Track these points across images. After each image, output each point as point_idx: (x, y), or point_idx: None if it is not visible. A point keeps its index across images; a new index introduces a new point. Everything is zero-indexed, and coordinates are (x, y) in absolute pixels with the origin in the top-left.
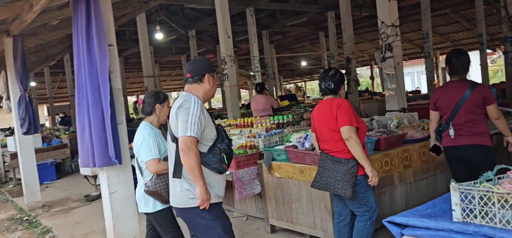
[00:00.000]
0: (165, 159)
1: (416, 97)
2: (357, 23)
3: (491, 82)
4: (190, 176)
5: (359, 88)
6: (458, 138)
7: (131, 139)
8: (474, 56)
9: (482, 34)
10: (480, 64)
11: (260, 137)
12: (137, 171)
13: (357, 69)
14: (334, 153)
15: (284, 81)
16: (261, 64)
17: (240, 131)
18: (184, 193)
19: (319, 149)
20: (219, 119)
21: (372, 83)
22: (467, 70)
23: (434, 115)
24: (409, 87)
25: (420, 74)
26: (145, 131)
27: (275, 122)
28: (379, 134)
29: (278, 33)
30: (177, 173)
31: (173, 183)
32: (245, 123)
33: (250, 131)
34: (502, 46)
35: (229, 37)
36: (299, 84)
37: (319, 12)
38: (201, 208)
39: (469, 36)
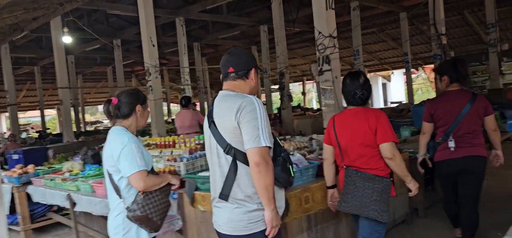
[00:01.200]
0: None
1: None
2: (289, 38)
3: (418, 100)
4: (262, 196)
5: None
6: (458, 150)
7: (36, 161)
8: (399, 74)
9: (407, 52)
10: (405, 82)
11: (182, 161)
12: (110, 194)
13: (289, 84)
14: (365, 170)
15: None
16: (192, 77)
17: (160, 152)
18: (249, 216)
19: (344, 166)
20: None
21: (304, 99)
22: (466, 79)
23: (429, 127)
24: None
25: None
26: (124, 136)
27: (201, 141)
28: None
29: (210, 46)
30: (226, 192)
31: (223, 205)
32: (166, 143)
33: (171, 152)
34: (425, 66)
35: (154, 45)
36: None
37: (251, 26)
38: (270, 236)
39: (395, 54)
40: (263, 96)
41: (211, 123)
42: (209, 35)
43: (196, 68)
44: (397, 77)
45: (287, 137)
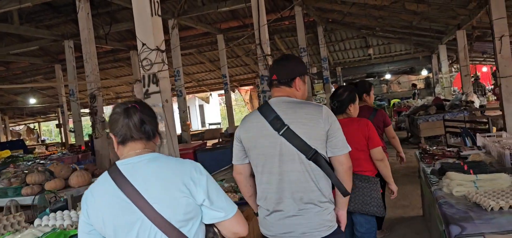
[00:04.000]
0: None
1: None
2: (100, 57)
3: (236, 120)
4: (344, 198)
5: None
6: None
7: None
8: (215, 96)
9: (226, 74)
10: (220, 103)
11: None
12: None
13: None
14: (360, 172)
15: (10, 122)
16: None
17: None
18: (332, 215)
19: None
20: None
21: None
22: (361, 97)
23: None
24: None
25: None
26: (195, 164)
27: None
28: None
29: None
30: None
31: (305, 212)
32: None
33: None
34: (241, 87)
35: None
36: (32, 126)
37: (54, 41)
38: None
39: (213, 76)
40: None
41: (286, 128)
42: None
43: None
44: (214, 99)
45: None
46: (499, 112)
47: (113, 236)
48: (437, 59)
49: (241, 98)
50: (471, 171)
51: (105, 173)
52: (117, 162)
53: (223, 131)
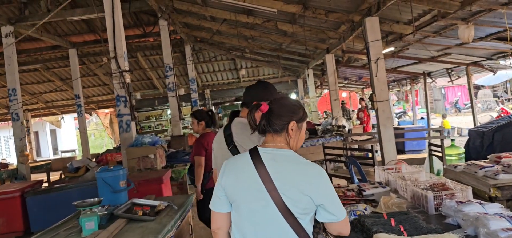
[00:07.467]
0: None
1: (4, 174)
2: None
3: (92, 146)
4: None
5: None
6: None
7: None
8: (70, 119)
9: (79, 95)
10: (77, 128)
11: None
12: None
13: None
14: None
15: None
16: None
17: None
18: None
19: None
20: None
21: None
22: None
23: (203, 160)
24: None
25: (8, 139)
26: (322, 171)
27: None
28: None
29: None
30: None
31: None
32: None
33: None
34: (99, 110)
35: None
36: None
37: None
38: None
39: (66, 97)
40: None
41: (233, 146)
42: None
43: None
44: (68, 123)
45: None
46: (365, 137)
47: (239, 206)
48: (303, 83)
49: (101, 121)
50: (402, 229)
51: (247, 153)
52: (259, 147)
53: (68, 165)
